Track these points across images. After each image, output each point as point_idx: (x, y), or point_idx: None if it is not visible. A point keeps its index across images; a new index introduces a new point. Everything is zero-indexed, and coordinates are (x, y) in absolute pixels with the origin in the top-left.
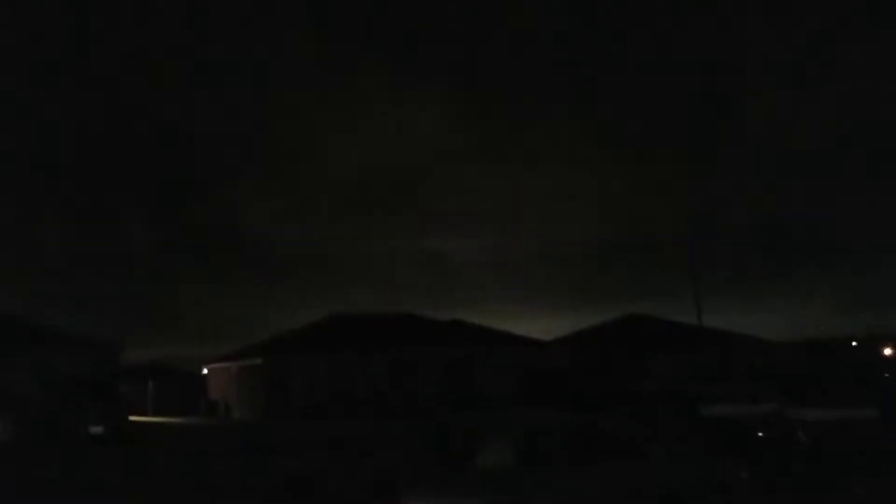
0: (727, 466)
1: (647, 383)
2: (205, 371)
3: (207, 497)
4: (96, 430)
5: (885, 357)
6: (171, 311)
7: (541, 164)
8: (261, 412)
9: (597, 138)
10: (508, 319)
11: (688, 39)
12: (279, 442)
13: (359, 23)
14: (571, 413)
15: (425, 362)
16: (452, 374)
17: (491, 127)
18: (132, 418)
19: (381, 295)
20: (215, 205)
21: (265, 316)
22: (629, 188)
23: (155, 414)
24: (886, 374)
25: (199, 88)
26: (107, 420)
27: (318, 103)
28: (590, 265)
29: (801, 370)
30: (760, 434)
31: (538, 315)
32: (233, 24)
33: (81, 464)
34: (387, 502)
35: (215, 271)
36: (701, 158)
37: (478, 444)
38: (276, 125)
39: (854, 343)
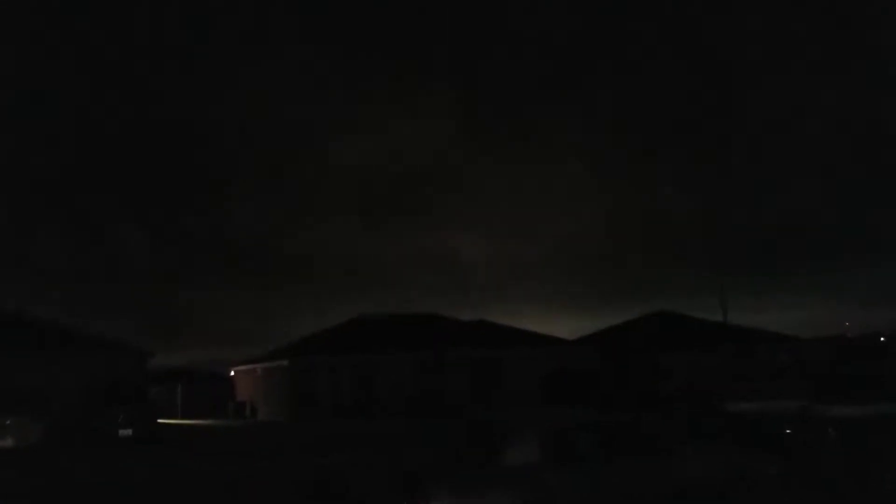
0: (755, 463)
1: (673, 381)
2: (232, 373)
3: (235, 498)
4: (126, 432)
5: None
6: (197, 316)
7: (558, 161)
8: (287, 413)
9: (613, 134)
10: (529, 319)
11: (694, 34)
12: (305, 442)
13: (366, 24)
14: (597, 412)
15: (451, 362)
16: (479, 374)
17: (506, 125)
18: (161, 421)
19: (401, 296)
20: (233, 209)
21: (288, 319)
22: (648, 184)
23: (184, 416)
24: None
25: (204, 91)
26: (136, 423)
27: (328, 105)
28: (611, 263)
29: (828, 367)
30: (788, 431)
31: (559, 314)
32: (236, 27)
33: (111, 465)
34: (416, 501)
35: (238, 276)
36: (720, 153)
37: (505, 442)
38: (286, 129)
39: (881, 339)
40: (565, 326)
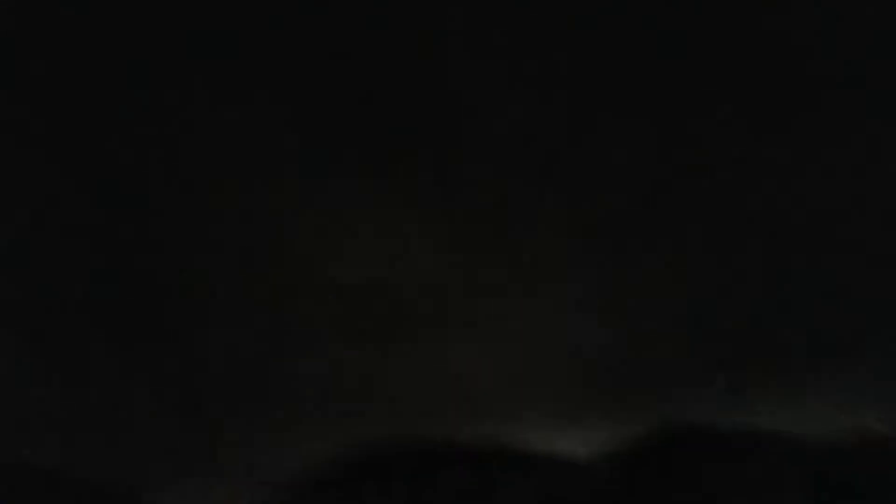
0: None
1: None
2: None
3: None
4: None
5: None
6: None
7: (545, 268)
8: None
9: (597, 236)
10: (533, 433)
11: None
12: None
13: (356, 143)
14: None
15: (446, 488)
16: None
17: (493, 237)
18: None
19: (395, 417)
20: (213, 339)
21: (276, 449)
22: (644, 286)
23: None
24: None
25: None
26: None
27: (313, 223)
28: (615, 369)
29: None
30: None
31: (566, 426)
32: (234, 144)
33: None
34: None
35: (218, 407)
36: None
37: None
38: (266, 249)
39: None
40: (573, 439)
